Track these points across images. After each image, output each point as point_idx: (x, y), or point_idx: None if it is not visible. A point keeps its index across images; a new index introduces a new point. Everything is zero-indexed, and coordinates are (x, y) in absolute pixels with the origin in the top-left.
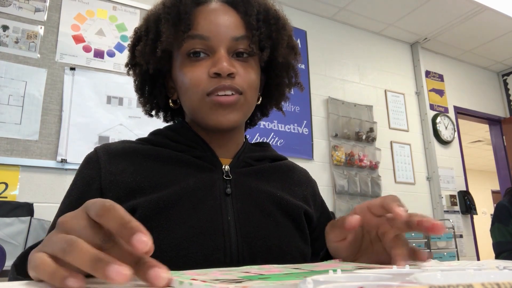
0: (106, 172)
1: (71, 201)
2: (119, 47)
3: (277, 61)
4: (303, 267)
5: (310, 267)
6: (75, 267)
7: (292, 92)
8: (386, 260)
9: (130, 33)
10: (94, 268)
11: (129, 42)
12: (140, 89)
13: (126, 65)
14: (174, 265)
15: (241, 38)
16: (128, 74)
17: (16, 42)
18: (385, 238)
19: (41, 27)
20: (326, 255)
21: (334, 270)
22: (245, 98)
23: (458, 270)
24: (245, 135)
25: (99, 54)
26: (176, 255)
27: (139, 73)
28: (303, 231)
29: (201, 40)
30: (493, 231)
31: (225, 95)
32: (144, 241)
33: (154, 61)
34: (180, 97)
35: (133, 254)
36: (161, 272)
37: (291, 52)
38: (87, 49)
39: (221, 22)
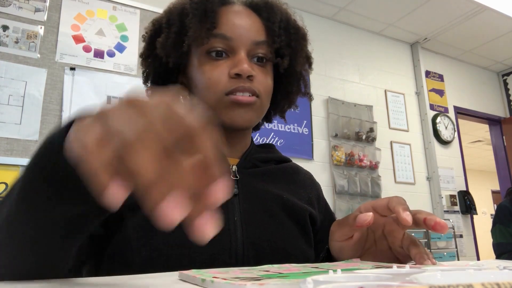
0: None
1: None
2: (119, 47)
3: (294, 70)
4: (322, 266)
5: (328, 266)
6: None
7: None
8: (391, 258)
9: (130, 33)
10: (147, 190)
11: (144, 33)
12: (152, 82)
13: (141, 55)
14: (179, 263)
15: (261, 43)
16: (141, 64)
17: (16, 42)
18: (392, 237)
19: (41, 27)
20: (326, 257)
21: (334, 271)
22: (261, 102)
23: (458, 270)
24: (251, 137)
25: (99, 54)
26: (180, 254)
27: (152, 65)
28: (308, 234)
29: (223, 40)
30: (494, 232)
31: (243, 95)
32: (222, 195)
33: (175, 54)
34: (193, 94)
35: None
36: (210, 225)
37: (306, 62)
38: (87, 49)
39: (243, 25)
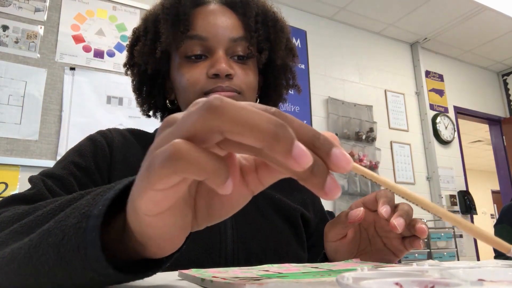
0: (118, 151)
1: (82, 154)
2: (119, 47)
3: (275, 63)
4: (322, 266)
5: (328, 266)
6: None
7: (292, 92)
8: (388, 255)
9: (130, 33)
10: (276, 138)
11: (127, 42)
12: (138, 89)
13: (125, 65)
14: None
15: (239, 39)
16: (126, 74)
17: (16, 42)
18: (384, 231)
19: (41, 27)
20: (322, 261)
21: (362, 267)
22: (244, 98)
23: (476, 267)
24: None
25: (99, 54)
26: None
27: (137, 73)
28: (300, 236)
29: (200, 41)
30: (500, 230)
31: (223, 92)
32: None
33: (152, 61)
34: (177, 97)
35: None
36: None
37: (289, 54)
38: (87, 49)
39: (219, 23)
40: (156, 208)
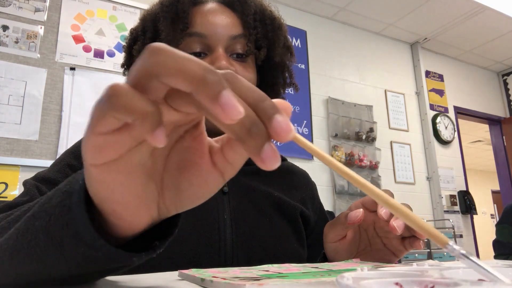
0: None
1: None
2: (119, 47)
3: (273, 61)
4: (322, 266)
5: (328, 266)
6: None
7: (292, 92)
8: (387, 255)
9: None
10: (203, 81)
11: (124, 43)
12: None
13: (122, 65)
14: (168, 261)
15: (238, 37)
16: (123, 74)
17: (16, 42)
18: (383, 232)
19: (41, 27)
20: (322, 261)
21: (362, 267)
22: None
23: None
24: None
25: (99, 54)
26: (168, 251)
27: None
28: (300, 233)
29: (199, 38)
30: (501, 230)
31: None
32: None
33: None
34: None
35: None
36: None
37: (286, 52)
38: (87, 49)
39: (218, 21)
40: (99, 156)
